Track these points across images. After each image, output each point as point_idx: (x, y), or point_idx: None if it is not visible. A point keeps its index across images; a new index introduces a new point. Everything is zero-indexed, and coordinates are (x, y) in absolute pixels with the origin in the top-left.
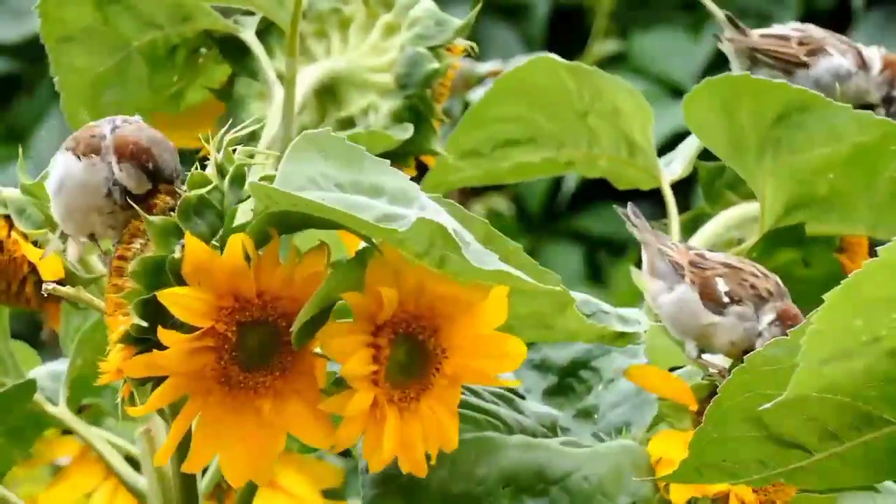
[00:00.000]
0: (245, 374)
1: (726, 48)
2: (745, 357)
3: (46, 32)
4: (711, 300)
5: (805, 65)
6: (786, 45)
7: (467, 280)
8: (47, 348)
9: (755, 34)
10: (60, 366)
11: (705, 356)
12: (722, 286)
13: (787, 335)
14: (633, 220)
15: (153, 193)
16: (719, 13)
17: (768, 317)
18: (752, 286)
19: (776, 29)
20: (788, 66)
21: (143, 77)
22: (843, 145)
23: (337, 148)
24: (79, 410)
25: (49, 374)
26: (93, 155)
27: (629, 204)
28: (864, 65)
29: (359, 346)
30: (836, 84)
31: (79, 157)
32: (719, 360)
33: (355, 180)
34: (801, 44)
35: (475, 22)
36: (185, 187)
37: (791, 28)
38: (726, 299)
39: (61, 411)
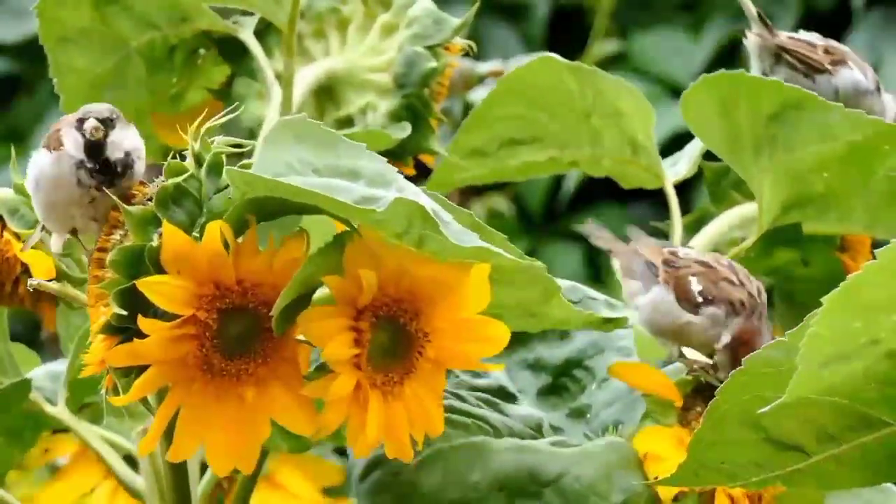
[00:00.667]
0: (227, 362)
1: (751, 43)
2: (744, 360)
3: (45, 33)
4: (686, 299)
5: (828, 72)
6: (812, 50)
7: (447, 259)
8: (47, 349)
9: (783, 35)
10: (60, 366)
11: (686, 351)
12: (695, 285)
13: (737, 361)
14: (596, 233)
15: (92, 149)
16: (752, 9)
17: (726, 337)
18: (726, 290)
19: (802, 34)
20: (812, 70)
21: (142, 78)
22: (837, 143)
23: (314, 133)
24: (79, 409)
25: (48, 374)
26: (61, 147)
27: (588, 220)
28: (878, 87)
29: (340, 329)
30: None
31: (49, 151)
32: (701, 355)
33: (332, 165)
34: (826, 52)
35: (475, 22)
36: (162, 177)
37: (817, 37)
38: (699, 299)
39: (60, 411)
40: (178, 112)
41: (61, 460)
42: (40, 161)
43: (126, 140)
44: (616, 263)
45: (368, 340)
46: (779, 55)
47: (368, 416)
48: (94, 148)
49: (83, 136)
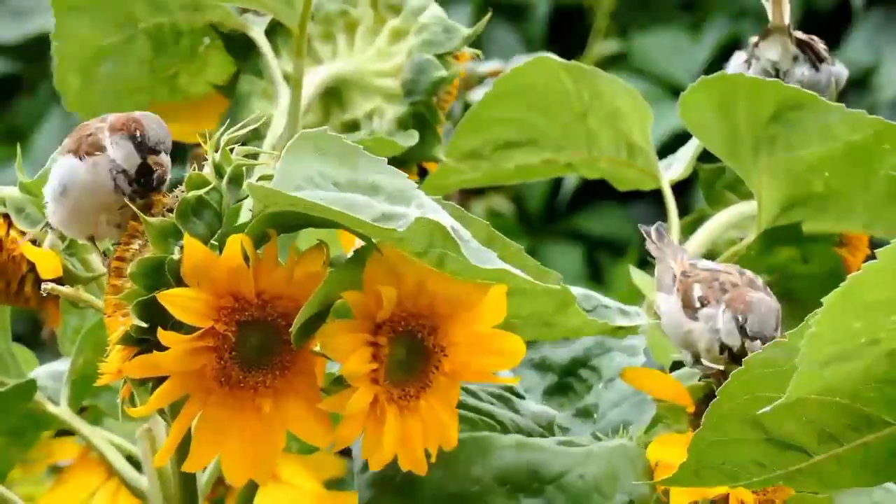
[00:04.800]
0: (245, 374)
1: (771, 50)
2: (742, 360)
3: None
4: (688, 306)
5: (827, 62)
6: (815, 41)
7: (466, 279)
8: (47, 348)
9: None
10: (61, 366)
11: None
12: (697, 291)
13: (737, 319)
14: (653, 239)
15: (145, 170)
16: (785, 16)
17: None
18: (721, 283)
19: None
20: (817, 58)
21: (145, 58)
22: (837, 143)
23: (334, 147)
24: (80, 411)
25: (50, 373)
26: (96, 153)
27: (658, 224)
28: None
29: (359, 344)
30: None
31: (81, 158)
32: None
33: (353, 179)
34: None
35: (474, 22)
36: (182, 188)
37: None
38: (698, 304)
39: (62, 411)
40: (176, 100)
41: (62, 463)
42: (70, 166)
43: (167, 157)
44: (656, 272)
45: (386, 355)
46: (796, 56)
47: (385, 431)
48: (147, 172)
49: (143, 160)
